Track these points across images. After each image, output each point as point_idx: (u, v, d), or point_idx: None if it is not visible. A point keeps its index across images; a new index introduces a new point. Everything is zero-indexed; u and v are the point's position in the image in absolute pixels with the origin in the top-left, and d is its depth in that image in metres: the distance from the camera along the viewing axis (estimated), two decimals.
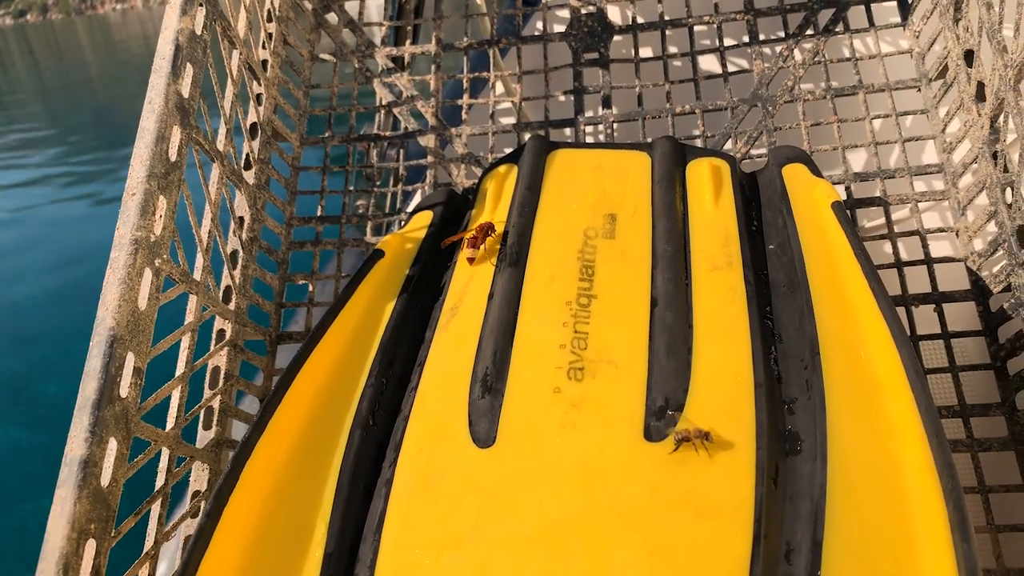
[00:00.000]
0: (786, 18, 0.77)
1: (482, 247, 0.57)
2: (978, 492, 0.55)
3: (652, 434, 0.43)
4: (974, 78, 0.63)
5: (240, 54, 0.67)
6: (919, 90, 0.71)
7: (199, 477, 0.57)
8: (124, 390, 0.47)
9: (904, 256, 0.64)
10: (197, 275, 0.58)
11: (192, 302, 0.57)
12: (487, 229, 0.57)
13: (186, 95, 0.56)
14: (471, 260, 0.57)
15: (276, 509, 0.44)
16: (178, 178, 0.55)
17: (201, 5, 0.60)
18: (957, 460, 0.42)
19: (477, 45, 0.83)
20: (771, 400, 0.45)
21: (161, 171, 0.52)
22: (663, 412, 0.44)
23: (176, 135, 0.55)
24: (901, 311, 0.61)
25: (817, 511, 0.39)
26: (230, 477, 0.43)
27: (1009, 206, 0.58)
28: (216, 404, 0.60)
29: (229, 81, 0.66)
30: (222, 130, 0.64)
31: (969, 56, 0.64)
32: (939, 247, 0.70)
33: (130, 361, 0.48)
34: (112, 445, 0.46)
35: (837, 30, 0.75)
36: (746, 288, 0.51)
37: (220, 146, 0.63)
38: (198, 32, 0.59)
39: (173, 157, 0.54)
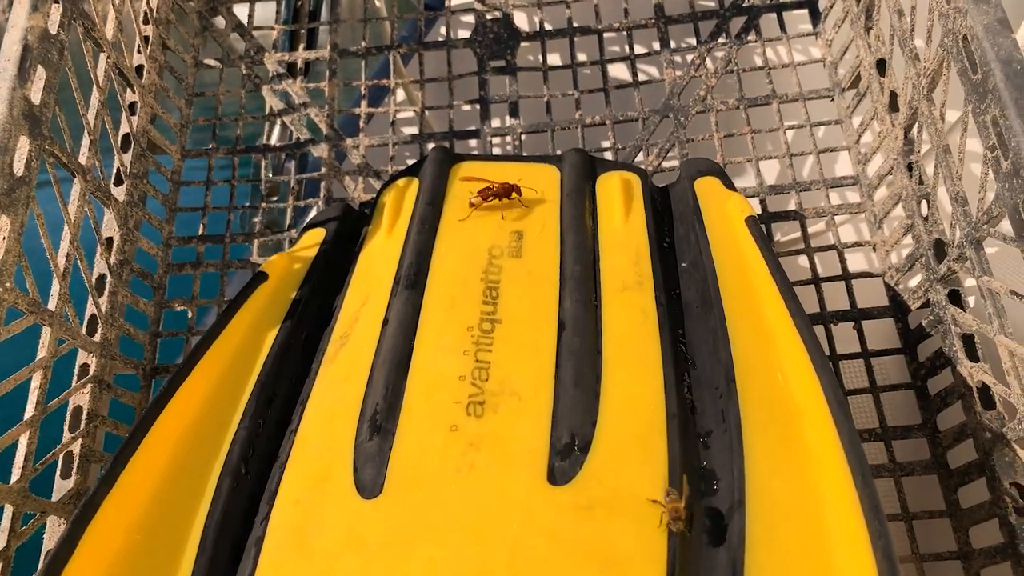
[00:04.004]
0: (697, 26, 0.74)
1: (504, 200, 0.55)
2: (902, 519, 0.53)
3: (556, 476, 0.39)
4: (887, 88, 0.61)
5: (108, 58, 0.61)
6: (832, 100, 0.69)
7: (55, 534, 0.51)
8: None
9: (821, 271, 0.61)
10: (52, 304, 0.51)
11: (45, 335, 0.51)
12: (510, 190, 0.55)
13: (37, 101, 0.50)
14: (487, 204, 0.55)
15: (125, 574, 0.38)
16: (26, 194, 0.48)
17: (56, 2, 0.54)
18: (879, 486, 0.39)
19: (376, 51, 0.78)
20: (685, 433, 0.41)
21: (3, 187, 0.46)
22: (569, 450, 0.40)
23: (24, 146, 0.48)
24: (819, 329, 0.58)
25: (735, 560, 0.35)
26: (67, 542, 0.37)
27: (925, 219, 0.56)
28: (76, 449, 0.53)
29: (95, 88, 0.60)
30: (85, 141, 0.57)
31: (881, 65, 0.62)
32: (856, 261, 0.68)
33: None
34: None
35: (749, 38, 0.73)
36: (658, 310, 0.47)
37: (83, 159, 0.56)
38: (52, 31, 0.52)
39: (20, 171, 0.48)
